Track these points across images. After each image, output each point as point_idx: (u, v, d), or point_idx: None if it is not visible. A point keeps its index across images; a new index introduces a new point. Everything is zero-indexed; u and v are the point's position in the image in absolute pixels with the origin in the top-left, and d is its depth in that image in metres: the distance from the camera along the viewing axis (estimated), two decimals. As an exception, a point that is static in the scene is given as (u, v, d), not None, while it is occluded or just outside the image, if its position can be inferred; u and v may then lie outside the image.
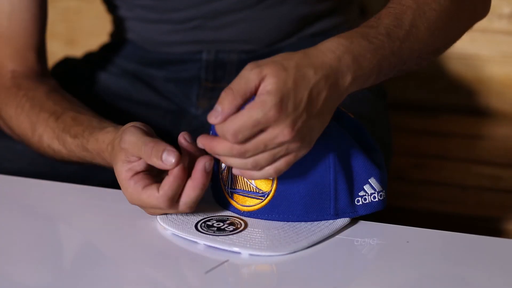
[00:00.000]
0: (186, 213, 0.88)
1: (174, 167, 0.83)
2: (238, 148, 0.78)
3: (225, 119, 0.78)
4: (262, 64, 0.78)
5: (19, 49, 1.13)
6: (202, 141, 0.81)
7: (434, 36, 0.90)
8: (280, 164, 0.80)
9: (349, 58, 0.81)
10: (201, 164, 0.84)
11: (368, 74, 0.83)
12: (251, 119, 0.77)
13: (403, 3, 0.88)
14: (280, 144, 0.79)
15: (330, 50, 0.81)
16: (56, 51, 1.80)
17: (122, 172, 0.87)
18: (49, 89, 1.11)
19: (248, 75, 0.78)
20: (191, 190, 0.85)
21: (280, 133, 0.78)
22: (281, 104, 0.77)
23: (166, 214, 0.88)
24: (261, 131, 0.78)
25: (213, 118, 0.78)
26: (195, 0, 1.19)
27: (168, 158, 0.83)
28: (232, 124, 0.77)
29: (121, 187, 0.88)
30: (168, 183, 0.84)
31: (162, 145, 0.84)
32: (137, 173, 0.87)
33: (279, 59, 0.79)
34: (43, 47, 1.16)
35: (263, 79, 0.78)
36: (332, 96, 0.81)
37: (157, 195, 0.85)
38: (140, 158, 0.86)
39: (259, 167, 0.80)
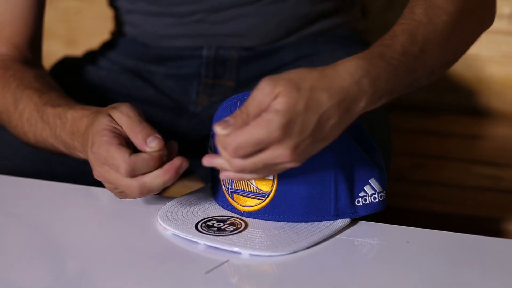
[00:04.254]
0: (186, 213, 0.88)
1: (155, 151, 0.85)
2: (237, 163, 0.78)
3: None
4: (277, 80, 0.77)
5: (10, 35, 1.14)
6: (205, 160, 0.80)
7: (446, 49, 0.88)
8: (274, 172, 0.81)
9: (367, 82, 0.79)
10: (179, 161, 0.85)
11: (382, 95, 0.82)
12: (254, 136, 0.76)
13: (415, 18, 0.86)
14: (279, 164, 0.78)
15: (349, 73, 0.79)
16: (56, 51, 1.81)
17: (104, 122, 0.88)
18: (38, 73, 1.12)
19: (262, 96, 0.76)
20: (156, 177, 0.85)
21: (280, 154, 0.77)
22: (287, 126, 0.76)
23: (165, 212, 0.88)
24: (262, 149, 0.77)
25: (220, 128, 0.77)
26: None
27: (152, 143, 0.85)
28: (234, 138, 0.76)
29: (93, 135, 0.88)
30: (142, 158, 0.85)
31: (152, 130, 0.87)
32: (117, 132, 0.88)
33: (295, 77, 0.77)
34: (38, 38, 1.18)
35: (276, 97, 0.76)
36: (342, 121, 0.79)
37: (126, 158, 0.84)
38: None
39: (254, 176, 0.80)
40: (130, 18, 1.27)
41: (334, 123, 0.78)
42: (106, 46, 1.32)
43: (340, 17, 1.28)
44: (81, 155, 0.98)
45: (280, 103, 0.76)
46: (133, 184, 0.85)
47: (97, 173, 0.89)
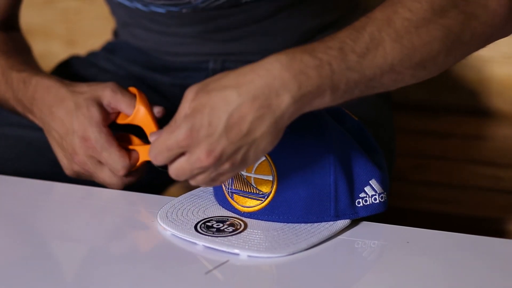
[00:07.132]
0: (187, 214, 0.88)
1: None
2: (170, 171, 0.79)
3: None
4: (194, 86, 0.78)
5: None
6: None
7: (407, 48, 0.80)
8: (219, 181, 0.80)
9: (287, 76, 0.76)
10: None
11: (316, 92, 0.77)
12: (164, 143, 0.77)
13: (370, 15, 0.82)
14: (205, 169, 0.78)
15: (264, 68, 0.76)
16: (56, 52, 1.81)
17: (96, 113, 0.99)
18: (9, 36, 1.16)
19: (183, 104, 0.78)
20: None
21: (197, 158, 0.77)
22: (192, 130, 0.76)
23: (165, 212, 0.88)
24: (182, 154, 0.78)
25: (151, 137, 0.85)
26: (199, 18, 1.17)
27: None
28: (152, 147, 0.79)
29: (85, 126, 0.98)
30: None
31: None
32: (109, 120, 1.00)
33: (210, 81, 0.78)
34: (16, 3, 1.18)
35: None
36: (264, 118, 0.76)
37: (127, 163, 0.97)
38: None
39: (200, 185, 0.81)
40: (132, 31, 1.25)
41: (251, 120, 0.75)
42: (110, 49, 1.29)
43: (343, 26, 1.27)
44: (36, 121, 1.04)
45: (188, 108, 0.77)
46: (118, 181, 0.98)
47: (80, 159, 0.98)
